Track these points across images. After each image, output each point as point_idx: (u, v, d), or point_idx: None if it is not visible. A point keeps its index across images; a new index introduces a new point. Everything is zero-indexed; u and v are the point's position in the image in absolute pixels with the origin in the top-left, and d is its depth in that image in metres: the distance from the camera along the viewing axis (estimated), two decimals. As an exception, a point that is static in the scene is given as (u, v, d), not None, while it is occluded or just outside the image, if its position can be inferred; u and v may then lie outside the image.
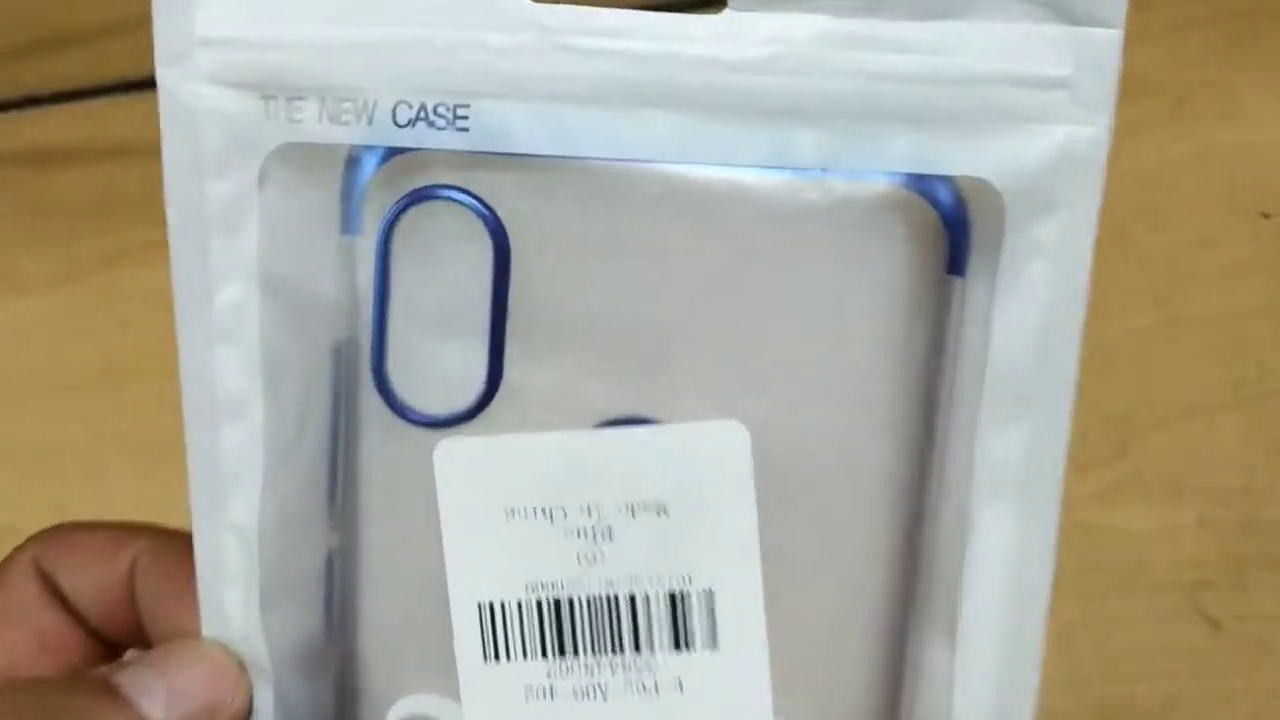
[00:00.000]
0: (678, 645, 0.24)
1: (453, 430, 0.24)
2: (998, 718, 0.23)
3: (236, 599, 0.24)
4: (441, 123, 0.23)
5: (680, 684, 0.24)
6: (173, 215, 0.23)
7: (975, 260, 0.23)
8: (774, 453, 0.24)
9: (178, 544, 0.25)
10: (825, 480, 0.24)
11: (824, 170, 0.23)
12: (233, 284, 0.23)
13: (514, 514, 0.24)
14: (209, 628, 0.24)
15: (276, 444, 0.24)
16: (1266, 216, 0.38)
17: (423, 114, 0.22)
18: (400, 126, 0.23)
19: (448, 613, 0.24)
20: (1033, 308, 0.22)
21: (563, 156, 0.23)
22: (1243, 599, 0.40)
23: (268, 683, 0.24)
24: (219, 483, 0.24)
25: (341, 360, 0.25)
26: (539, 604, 0.24)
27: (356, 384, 0.24)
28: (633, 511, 0.24)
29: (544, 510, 0.24)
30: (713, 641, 0.24)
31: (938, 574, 0.24)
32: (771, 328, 0.24)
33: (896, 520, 0.24)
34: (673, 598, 0.24)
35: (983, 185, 0.22)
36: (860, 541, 0.24)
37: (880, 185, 0.23)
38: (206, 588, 0.24)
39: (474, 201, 0.23)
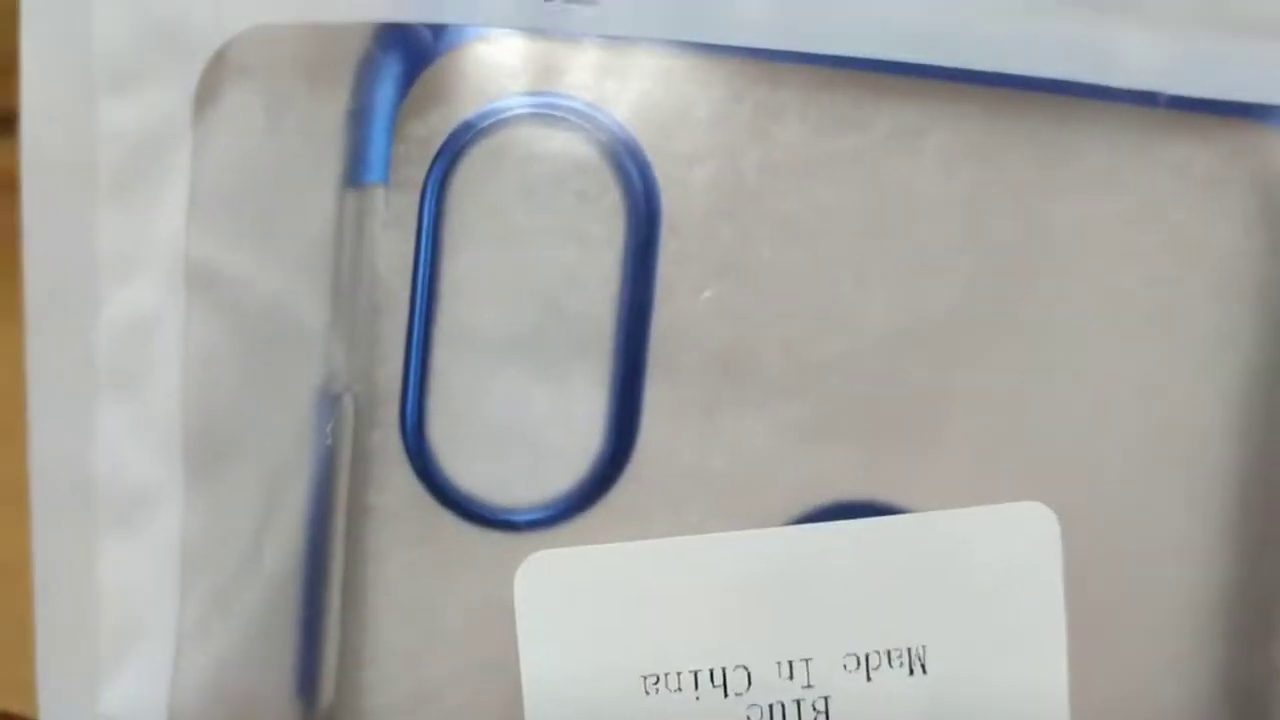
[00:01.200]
0: None
1: (548, 532, 0.16)
2: None
3: None
4: None
5: None
6: (30, 166, 0.15)
7: None
8: (1087, 561, 0.16)
9: None
10: (1155, 605, 0.17)
11: (1160, 95, 0.16)
12: (134, 286, 0.16)
13: (662, 682, 0.15)
14: None
15: (207, 574, 0.16)
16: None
17: None
18: None
19: None
20: None
21: (762, 53, 0.16)
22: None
23: None
24: (89, 643, 0.16)
25: (339, 417, 0.16)
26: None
27: (367, 458, 0.16)
28: (868, 668, 0.16)
29: (712, 674, 0.15)
30: None
31: None
32: (1073, 356, 0.17)
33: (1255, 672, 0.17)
34: None
35: None
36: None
37: (1238, 124, 0.17)
38: None
39: (608, 124, 0.16)
